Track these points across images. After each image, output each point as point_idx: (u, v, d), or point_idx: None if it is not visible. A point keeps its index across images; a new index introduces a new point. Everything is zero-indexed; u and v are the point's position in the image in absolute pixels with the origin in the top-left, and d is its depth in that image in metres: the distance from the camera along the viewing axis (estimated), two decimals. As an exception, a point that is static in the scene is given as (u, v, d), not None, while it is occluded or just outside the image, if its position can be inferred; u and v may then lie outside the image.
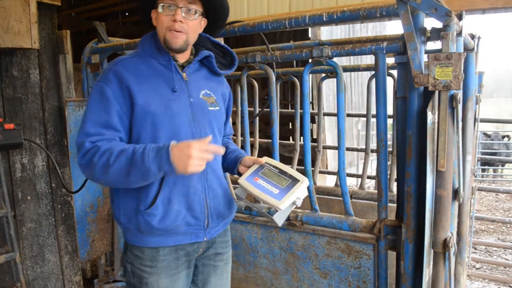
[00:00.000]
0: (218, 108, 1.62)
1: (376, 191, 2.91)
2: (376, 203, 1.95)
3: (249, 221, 2.36)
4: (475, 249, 4.94)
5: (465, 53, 1.59)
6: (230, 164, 1.67)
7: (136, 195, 1.47)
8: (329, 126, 8.62)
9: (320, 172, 3.89)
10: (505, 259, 4.79)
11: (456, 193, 1.83)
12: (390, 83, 2.05)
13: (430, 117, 1.60)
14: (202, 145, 1.30)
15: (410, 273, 1.78)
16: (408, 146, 1.72)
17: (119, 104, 1.43)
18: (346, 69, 3.11)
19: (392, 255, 1.94)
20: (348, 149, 4.25)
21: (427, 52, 1.72)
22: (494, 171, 11.09)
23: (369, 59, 9.89)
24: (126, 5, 9.28)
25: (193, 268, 1.63)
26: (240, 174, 1.60)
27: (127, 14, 10.66)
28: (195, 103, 1.53)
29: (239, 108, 2.54)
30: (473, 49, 2.14)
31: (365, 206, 2.97)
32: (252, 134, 3.26)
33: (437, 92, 1.60)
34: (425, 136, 1.62)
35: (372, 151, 3.37)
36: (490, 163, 10.46)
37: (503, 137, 10.78)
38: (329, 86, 8.63)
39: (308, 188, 1.87)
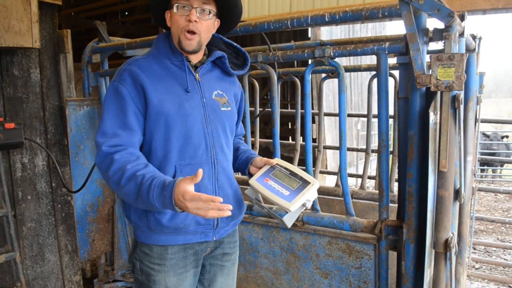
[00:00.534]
0: (230, 108, 1.63)
1: (376, 191, 2.92)
2: (377, 203, 1.96)
3: (249, 221, 2.36)
4: (475, 249, 4.95)
5: (467, 54, 1.59)
6: (241, 165, 1.68)
7: None
8: (328, 126, 8.62)
9: (320, 172, 3.89)
10: (504, 259, 4.80)
11: (457, 193, 1.83)
12: (391, 83, 2.05)
13: (432, 117, 1.60)
14: (197, 202, 1.25)
15: (411, 273, 1.78)
16: (410, 146, 1.72)
17: (135, 103, 1.44)
18: (347, 70, 3.10)
19: (392, 255, 1.94)
20: (348, 149, 4.26)
21: (429, 52, 1.72)
22: (493, 171, 11.11)
23: (368, 59, 9.89)
24: (126, 5, 9.28)
25: (200, 268, 1.64)
26: (250, 175, 1.61)
27: (126, 13, 10.67)
28: (208, 103, 1.54)
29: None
30: (475, 49, 2.15)
31: (366, 206, 2.97)
32: (252, 133, 3.26)
33: (439, 92, 1.60)
34: (427, 136, 1.62)
35: (373, 151, 3.38)
36: (489, 163, 10.47)
37: (502, 137, 10.79)
38: (328, 86, 8.63)
39: None
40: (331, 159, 8.56)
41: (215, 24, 1.58)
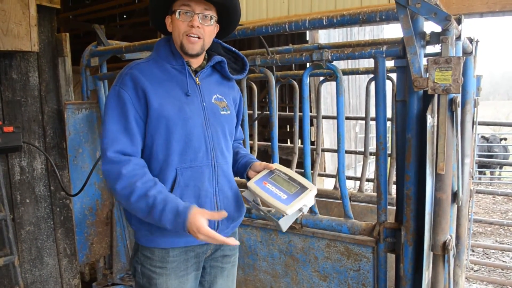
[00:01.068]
0: (229, 112, 1.64)
1: (374, 193, 2.93)
2: (375, 205, 1.96)
3: (248, 223, 2.36)
4: (473, 251, 4.95)
5: (464, 57, 1.60)
6: (240, 169, 1.70)
7: None
8: (326, 129, 8.63)
9: (318, 175, 3.89)
10: (503, 261, 4.80)
11: (455, 196, 1.84)
12: (388, 86, 2.05)
13: (430, 120, 1.61)
14: (208, 236, 1.35)
15: (410, 276, 1.78)
16: (408, 149, 1.72)
17: (135, 109, 1.46)
18: (344, 73, 3.10)
19: (391, 257, 1.95)
20: (346, 152, 4.26)
21: (426, 55, 1.73)
22: (491, 173, 11.14)
23: (366, 62, 9.92)
24: (124, 8, 9.29)
25: (201, 270, 1.65)
26: (249, 179, 1.62)
27: (124, 16, 10.67)
28: (208, 107, 1.56)
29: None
30: (471, 52, 2.15)
31: (364, 208, 2.98)
32: (251, 136, 3.27)
33: (436, 95, 1.60)
34: (425, 139, 1.63)
35: (371, 153, 3.38)
36: (487, 165, 10.49)
37: (501, 139, 10.83)
38: (326, 89, 8.64)
39: None
40: (330, 162, 8.56)
41: (215, 29, 1.60)
